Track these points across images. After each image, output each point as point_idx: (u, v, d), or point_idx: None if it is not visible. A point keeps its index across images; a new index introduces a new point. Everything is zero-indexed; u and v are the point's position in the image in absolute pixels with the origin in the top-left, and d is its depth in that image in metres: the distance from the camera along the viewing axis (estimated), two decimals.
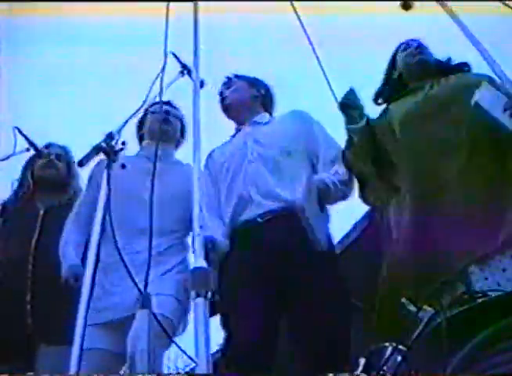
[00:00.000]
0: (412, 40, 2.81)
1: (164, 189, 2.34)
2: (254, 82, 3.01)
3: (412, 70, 2.70)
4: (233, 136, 2.90)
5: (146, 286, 1.53)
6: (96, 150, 2.07)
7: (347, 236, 3.75)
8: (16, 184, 3.21)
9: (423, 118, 2.48)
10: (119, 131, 2.17)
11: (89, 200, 2.65)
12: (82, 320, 1.62)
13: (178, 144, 3.12)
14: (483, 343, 1.46)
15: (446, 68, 2.69)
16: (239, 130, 2.87)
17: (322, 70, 3.37)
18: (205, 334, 1.17)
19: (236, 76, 3.02)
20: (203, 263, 1.35)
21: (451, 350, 1.45)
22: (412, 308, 1.78)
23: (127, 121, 2.26)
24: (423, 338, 1.57)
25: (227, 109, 2.95)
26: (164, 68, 2.42)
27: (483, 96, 2.24)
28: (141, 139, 3.10)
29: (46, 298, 2.74)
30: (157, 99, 2.43)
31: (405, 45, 2.78)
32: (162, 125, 2.82)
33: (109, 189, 1.99)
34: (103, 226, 1.88)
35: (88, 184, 2.89)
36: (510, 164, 2.21)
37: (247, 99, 2.92)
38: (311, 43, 3.45)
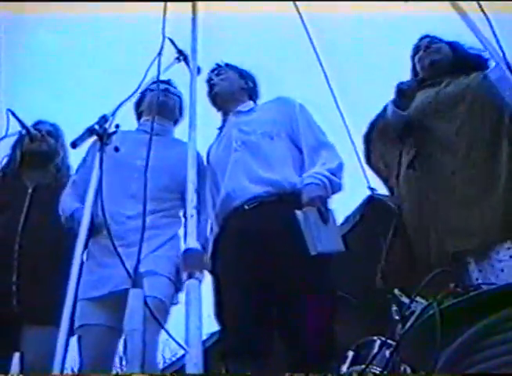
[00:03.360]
0: (423, 37, 2.79)
1: (157, 159, 2.26)
2: (244, 74, 3.00)
3: (429, 73, 2.71)
4: (220, 128, 2.89)
5: (138, 263, 1.51)
6: (89, 132, 2.05)
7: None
8: (5, 160, 3.14)
9: (430, 115, 2.51)
10: (113, 113, 2.16)
11: (83, 176, 2.63)
12: (71, 303, 1.61)
13: (176, 122, 3.11)
14: (476, 336, 1.45)
15: (465, 66, 2.66)
16: (225, 121, 2.87)
17: (321, 64, 3.37)
18: (197, 317, 1.15)
19: (227, 65, 3.01)
20: (195, 244, 1.32)
21: (443, 342, 1.44)
22: (405, 299, 1.77)
23: (121, 104, 2.23)
24: (415, 329, 1.55)
25: (214, 96, 2.93)
26: (161, 51, 2.41)
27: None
28: (139, 117, 3.09)
29: (32, 279, 2.70)
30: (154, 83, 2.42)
31: (417, 48, 2.77)
32: (161, 97, 2.84)
33: (101, 172, 1.98)
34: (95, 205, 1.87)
35: (82, 162, 2.86)
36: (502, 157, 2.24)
37: (236, 89, 2.92)
38: (309, 37, 3.45)
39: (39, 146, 3.09)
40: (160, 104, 2.85)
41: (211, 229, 2.69)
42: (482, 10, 1.85)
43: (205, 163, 2.85)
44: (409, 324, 1.58)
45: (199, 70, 2.51)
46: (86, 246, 1.98)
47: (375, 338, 3.12)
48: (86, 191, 2.00)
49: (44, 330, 2.51)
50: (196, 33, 2.56)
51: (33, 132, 3.01)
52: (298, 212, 2.31)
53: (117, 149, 2.13)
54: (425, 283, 1.65)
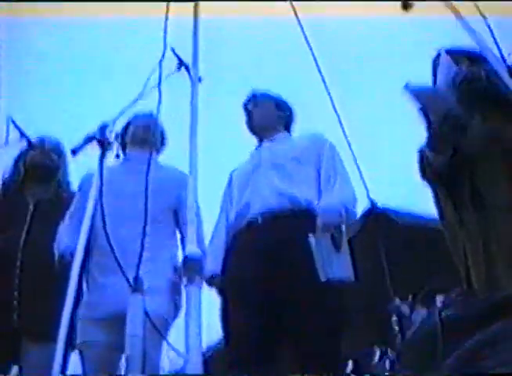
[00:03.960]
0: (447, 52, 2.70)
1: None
2: (281, 104, 3.08)
3: None
4: (252, 152, 2.98)
5: (138, 269, 1.50)
6: (90, 139, 2.05)
7: None
8: (6, 174, 3.14)
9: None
10: (113, 121, 2.16)
11: (82, 204, 2.58)
12: (68, 318, 1.61)
13: (158, 151, 3.15)
14: (478, 345, 1.43)
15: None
16: (259, 146, 2.96)
17: (319, 71, 3.38)
18: (197, 323, 1.14)
19: (264, 95, 3.07)
20: (195, 250, 1.32)
21: (445, 351, 1.43)
22: (406, 308, 1.75)
23: (122, 113, 2.24)
24: (416, 338, 1.54)
25: (253, 126, 3.02)
26: (161, 60, 2.40)
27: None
28: (123, 148, 3.08)
29: (33, 294, 2.69)
30: (153, 91, 2.41)
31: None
32: (142, 134, 2.95)
33: (101, 181, 1.98)
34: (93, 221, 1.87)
35: (79, 191, 2.88)
36: None
37: (273, 120, 3.00)
38: (310, 47, 3.46)
39: (42, 160, 3.09)
40: (141, 139, 2.94)
41: (223, 243, 2.72)
42: (480, 12, 1.83)
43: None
44: (409, 333, 1.56)
45: (200, 80, 2.51)
46: (84, 264, 1.99)
47: (375, 347, 3.12)
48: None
49: (43, 346, 2.50)
50: (198, 41, 2.56)
51: (32, 141, 3.01)
52: (311, 237, 2.32)
53: (117, 156, 2.13)
54: (426, 293, 1.64)
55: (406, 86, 2.26)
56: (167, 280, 2.61)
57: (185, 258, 1.28)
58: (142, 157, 2.72)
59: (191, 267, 1.25)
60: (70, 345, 1.81)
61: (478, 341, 1.42)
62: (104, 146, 2.05)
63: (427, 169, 2.42)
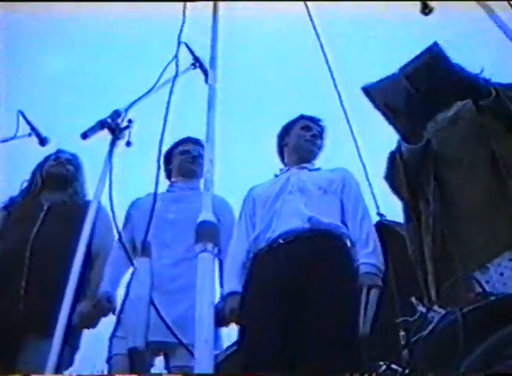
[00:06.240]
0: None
1: (189, 211, 2.47)
2: (323, 134, 3.14)
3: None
4: (277, 176, 3.03)
5: (146, 233, 1.45)
6: (101, 124, 2.02)
7: None
8: (25, 184, 3.21)
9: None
10: (126, 109, 2.12)
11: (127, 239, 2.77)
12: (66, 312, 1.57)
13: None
14: (500, 342, 1.36)
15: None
16: (287, 170, 3.00)
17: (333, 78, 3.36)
18: (210, 291, 1.08)
19: (320, 122, 3.11)
20: (210, 217, 1.27)
21: (466, 348, 1.36)
22: (422, 308, 1.69)
23: (135, 101, 2.20)
24: (436, 335, 1.47)
25: (308, 152, 3.05)
26: (176, 54, 2.37)
27: None
28: (169, 174, 3.22)
29: (39, 291, 2.68)
30: (167, 85, 2.36)
31: None
32: (189, 165, 3.09)
33: (111, 166, 1.95)
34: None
35: (124, 224, 2.93)
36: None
37: (318, 150, 3.07)
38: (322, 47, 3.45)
39: (58, 170, 3.16)
40: (188, 171, 3.08)
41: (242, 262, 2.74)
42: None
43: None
44: (428, 330, 1.49)
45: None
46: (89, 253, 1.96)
47: (381, 363, 3.03)
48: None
49: (45, 342, 2.46)
50: (216, 40, 2.51)
51: (42, 135, 3.02)
52: (364, 290, 2.43)
53: (128, 143, 2.09)
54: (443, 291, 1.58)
55: (363, 88, 2.23)
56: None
57: (201, 224, 1.23)
58: (185, 185, 3.00)
59: (206, 233, 1.20)
60: (66, 343, 1.78)
61: (501, 338, 1.35)
62: (115, 132, 2.02)
63: (398, 169, 2.37)
